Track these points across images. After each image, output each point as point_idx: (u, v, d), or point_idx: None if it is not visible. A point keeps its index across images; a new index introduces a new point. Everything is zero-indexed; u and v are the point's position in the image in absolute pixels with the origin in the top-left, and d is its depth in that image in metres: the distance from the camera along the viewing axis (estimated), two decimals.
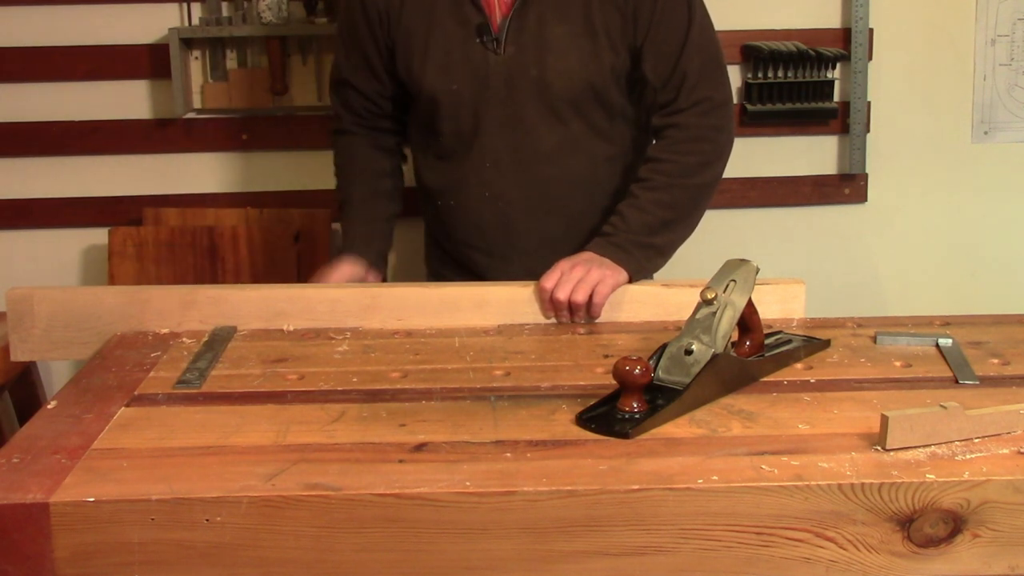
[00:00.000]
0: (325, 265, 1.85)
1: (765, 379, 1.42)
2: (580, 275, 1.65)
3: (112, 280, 2.49)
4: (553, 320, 1.67)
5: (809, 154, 2.67)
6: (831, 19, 2.61)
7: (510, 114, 1.81)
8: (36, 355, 1.67)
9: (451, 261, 1.98)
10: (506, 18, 1.78)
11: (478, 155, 1.84)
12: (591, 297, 1.64)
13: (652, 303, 1.69)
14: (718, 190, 1.86)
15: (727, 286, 1.40)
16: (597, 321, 1.67)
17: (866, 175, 2.66)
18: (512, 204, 1.86)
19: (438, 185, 1.92)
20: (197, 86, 2.54)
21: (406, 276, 2.61)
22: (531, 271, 1.72)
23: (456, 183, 1.89)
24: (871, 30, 2.59)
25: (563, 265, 1.68)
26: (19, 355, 1.66)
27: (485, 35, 1.78)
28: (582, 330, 1.65)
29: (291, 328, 1.65)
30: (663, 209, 1.76)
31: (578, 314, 1.66)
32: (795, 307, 1.68)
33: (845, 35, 2.59)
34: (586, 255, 1.71)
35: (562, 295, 1.64)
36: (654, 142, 1.84)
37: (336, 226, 2.61)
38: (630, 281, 1.70)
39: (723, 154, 1.82)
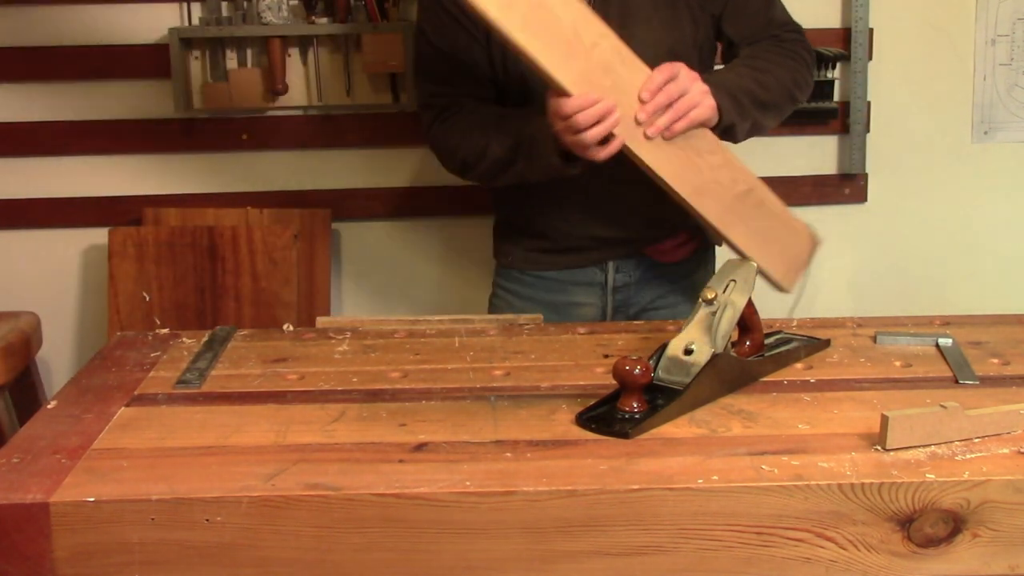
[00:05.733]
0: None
1: (765, 379, 1.42)
2: (696, 87, 1.60)
3: (112, 280, 2.49)
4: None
5: (809, 154, 2.66)
6: (831, 19, 2.60)
7: None
8: None
9: (523, 240, 1.95)
10: None
11: None
12: (684, 113, 1.60)
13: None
14: None
15: (727, 286, 1.40)
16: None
17: (866, 175, 2.66)
18: (603, 174, 1.80)
19: None
20: (197, 86, 2.53)
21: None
22: (615, 239, 1.83)
23: None
24: (871, 30, 2.58)
25: (684, 68, 1.61)
26: None
27: None
28: (582, 330, 1.65)
29: (290, 328, 1.66)
30: (755, 84, 1.73)
31: (666, 117, 1.59)
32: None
33: (845, 35, 2.59)
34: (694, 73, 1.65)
35: (676, 89, 1.59)
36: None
37: (336, 226, 2.62)
38: (718, 120, 1.65)
39: (807, 87, 1.84)
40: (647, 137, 1.60)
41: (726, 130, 1.70)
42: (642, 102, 1.58)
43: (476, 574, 1.12)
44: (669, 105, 1.59)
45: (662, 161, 1.63)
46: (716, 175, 1.66)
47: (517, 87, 1.81)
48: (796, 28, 1.86)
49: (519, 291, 1.96)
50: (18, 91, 2.53)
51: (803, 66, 1.82)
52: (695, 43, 1.81)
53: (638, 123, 1.59)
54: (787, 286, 1.73)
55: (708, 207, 1.66)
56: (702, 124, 1.63)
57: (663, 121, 1.59)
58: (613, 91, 1.57)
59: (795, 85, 1.80)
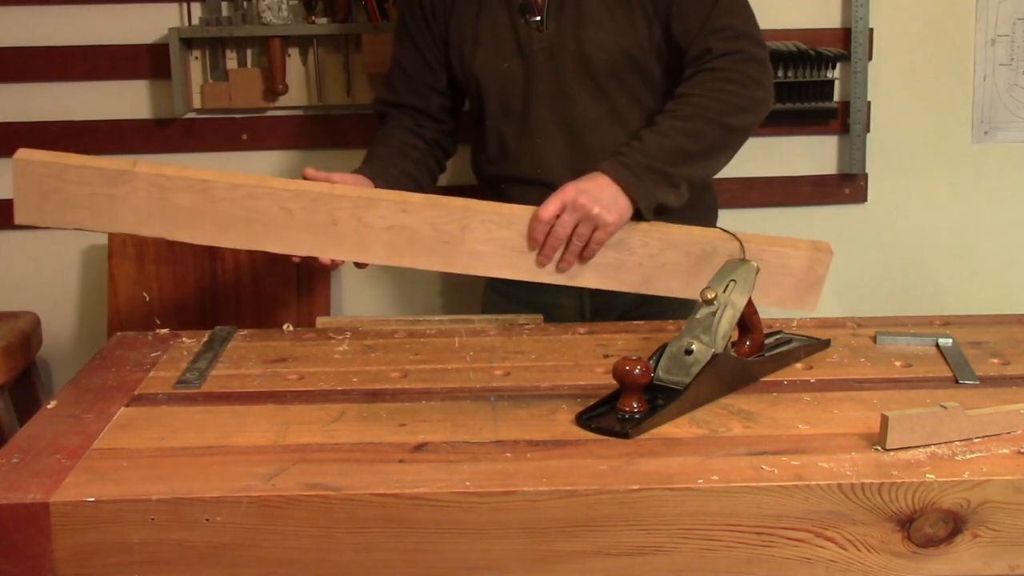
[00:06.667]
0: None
1: (765, 379, 1.42)
2: (583, 212, 1.56)
3: (112, 280, 2.49)
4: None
5: (809, 154, 2.66)
6: (831, 19, 2.60)
7: (555, 88, 1.83)
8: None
9: None
10: None
11: (527, 132, 1.86)
12: (587, 241, 1.58)
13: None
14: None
15: (727, 286, 1.40)
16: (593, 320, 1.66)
17: (866, 175, 2.66)
18: (563, 177, 1.77)
19: (493, 173, 1.93)
20: (197, 86, 2.53)
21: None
22: None
23: (510, 165, 1.89)
24: (871, 30, 2.58)
25: (567, 193, 1.58)
26: None
27: (528, 14, 1.82)
28: (582, 330, 1.65)
29: (290, 328, 1.66)
30: (684, 138, 1.67)
31: (570, 253, 1.58)
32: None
33: (845, 35, 2.59)
34: (592, 185, 1.60)
35: (563, 231, 1.56)
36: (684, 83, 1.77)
37: None
38: (635, 207, 1.60)
39: (758, 106, 1.74)
40: (561, 271, 1.59)
41: (657, 208, 1.64)
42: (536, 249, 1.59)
43: (476, 574, 1.12)
44: (569, 238, 1.57)
45: (593, 278, 1.61)
46: (661, 260, 1.61)
47: (474, 92, 1.88)
48: (741, 34, 1.75)
49: (506, 291, 1.96)
50: (18, 90, 2.53)
51: (745, 84, 1.72)
52: (651, 44, 1.80)
53: (543, 265, 1.58)
54: (805, 309, 1.67)
55: (669, 288, 1.62)
56: (615, 232, 1.59)
57: (570, 256, 1.59)
58: (506, 251, 1.57)
59: (736, 111, 1.71)
